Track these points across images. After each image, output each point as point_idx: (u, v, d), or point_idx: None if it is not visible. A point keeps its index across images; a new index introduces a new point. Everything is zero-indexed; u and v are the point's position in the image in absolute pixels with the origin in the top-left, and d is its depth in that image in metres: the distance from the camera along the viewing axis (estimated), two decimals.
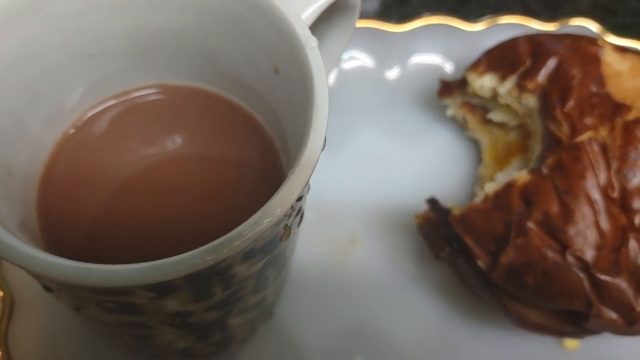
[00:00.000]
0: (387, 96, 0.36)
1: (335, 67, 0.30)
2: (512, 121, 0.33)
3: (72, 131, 0.26)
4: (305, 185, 0.19)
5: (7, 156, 0.22)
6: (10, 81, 0.22)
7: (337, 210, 0.34)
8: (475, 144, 0.36)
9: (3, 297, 0.29)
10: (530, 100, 0.31)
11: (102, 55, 0.25)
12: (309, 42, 0.20)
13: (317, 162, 0.19)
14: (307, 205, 0.24)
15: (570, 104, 0.30)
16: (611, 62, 0.31)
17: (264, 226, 0.18)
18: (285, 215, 0.19)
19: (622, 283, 0.27)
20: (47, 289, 0.20)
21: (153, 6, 0.23)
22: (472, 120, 0.35)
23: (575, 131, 0.29)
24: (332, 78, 0.36)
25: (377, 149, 0.36)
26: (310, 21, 0.23)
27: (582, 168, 0.28)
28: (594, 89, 0.30)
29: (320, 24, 0.25)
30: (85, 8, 0.23)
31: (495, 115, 0.34)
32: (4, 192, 0.21)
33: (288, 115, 0.23)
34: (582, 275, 0.27)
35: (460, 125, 0.36)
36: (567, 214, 0.27)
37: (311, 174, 0.19)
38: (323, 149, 0.19)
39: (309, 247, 0.32)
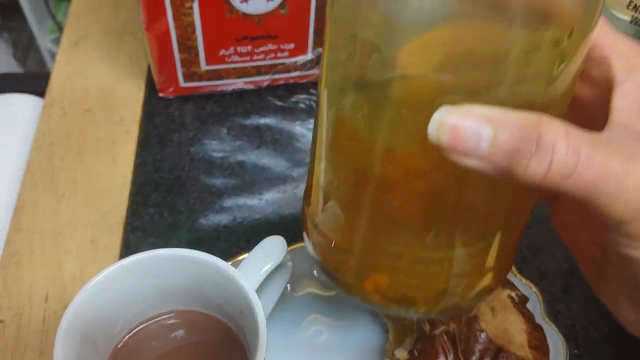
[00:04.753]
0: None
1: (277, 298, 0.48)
2: None
3: (119, 345, 0.43)
4: None
5: None
6: (92, 324, 0.39)
7: None
8: (386, 326, 0.53)
9: None
10: None
11: (141, 300, 0.42)
12: (257, 301, 0.38)
13: None
14: None
15: None
16: None
17: None
18: None
19: None
20: None
21: (171, 276, 0.41)
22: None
23: (433, 327, 0.46)
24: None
25: (318, 331, 0.52)
26: (258, 282, 0.41)
27: (436, 351, 0.45)
28: None
29: (266, 279, 0.43)
30: (136, 280, 0.41)
31: None
32: None
33: (249, 335, 0.40)
34: None
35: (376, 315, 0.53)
36: None
37: None
38: None
39: None
